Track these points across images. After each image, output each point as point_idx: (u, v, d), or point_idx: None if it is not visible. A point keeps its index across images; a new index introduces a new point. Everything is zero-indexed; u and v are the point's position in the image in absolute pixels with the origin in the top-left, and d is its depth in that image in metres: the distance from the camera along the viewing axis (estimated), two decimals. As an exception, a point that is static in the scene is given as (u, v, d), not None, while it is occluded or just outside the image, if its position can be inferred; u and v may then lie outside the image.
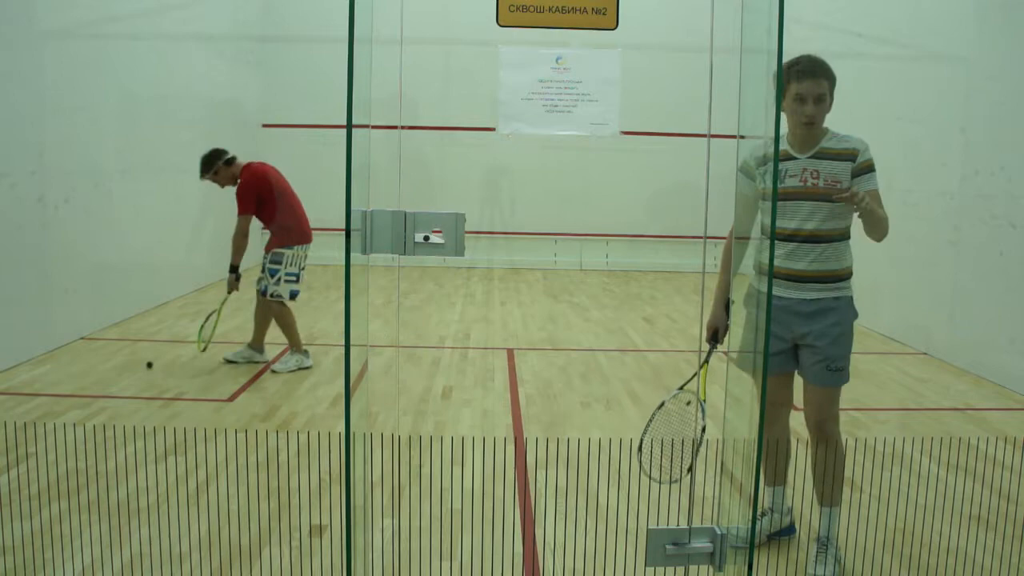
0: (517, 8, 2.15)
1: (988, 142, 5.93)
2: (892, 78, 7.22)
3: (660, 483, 2.80)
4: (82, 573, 2.84)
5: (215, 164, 5.59)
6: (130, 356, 5.93)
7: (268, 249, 5.68)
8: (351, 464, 2.02)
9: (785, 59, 1.88)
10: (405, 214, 1.97)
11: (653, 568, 2.20)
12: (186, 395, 5.03)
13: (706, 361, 2.93)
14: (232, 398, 5.01)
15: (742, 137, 2.05)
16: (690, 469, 2.69)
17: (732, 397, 2.27)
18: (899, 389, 5.56)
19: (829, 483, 3.03)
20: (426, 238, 1.97)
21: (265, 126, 10.87)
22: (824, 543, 3.04)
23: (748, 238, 2.80)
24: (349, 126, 1.87)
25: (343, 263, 1.90)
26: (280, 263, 5.66)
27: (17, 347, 5.60)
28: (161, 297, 7.96)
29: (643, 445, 2.87)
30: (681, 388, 2.94)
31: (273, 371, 5.59)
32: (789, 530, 3.23)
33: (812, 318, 3.01)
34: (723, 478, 2.40)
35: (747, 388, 2.19)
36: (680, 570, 2.46)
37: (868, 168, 2.96)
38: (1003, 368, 5.66)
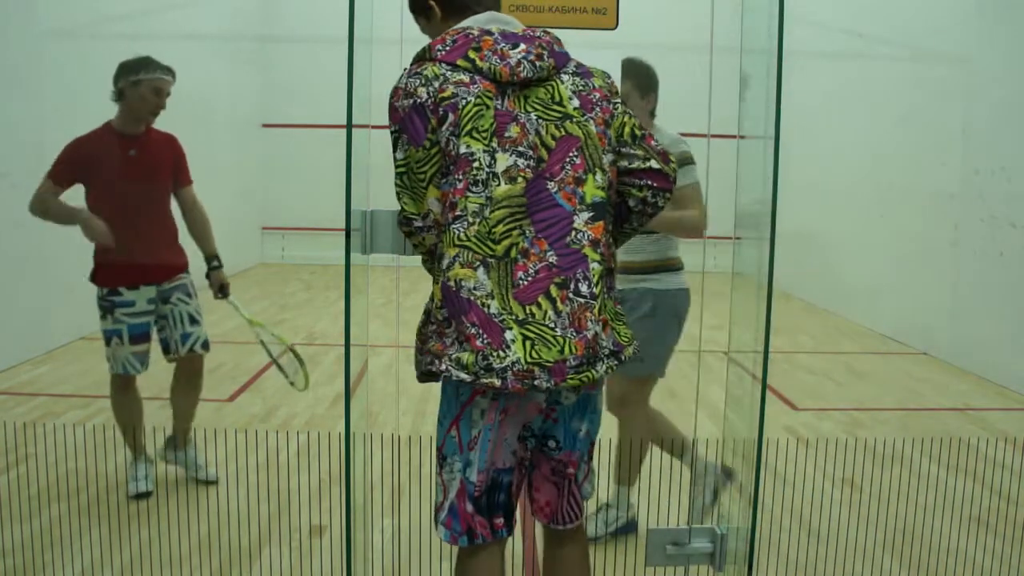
0: (517, 8, 2.15)
1: (988, 142, 5.93)
2: (893, 78, 7.23)
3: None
4: (82, 574, 2.84)
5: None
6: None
7: (176, 272, 3.69)
8: (351, 464, 2.02)
9: (785, 59, 1.89)
10: (405, 214, 1.95)
11: (653, 568, 2.20)
12: (186, 395, 5.02)
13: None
14: (232, 398, 5.01)
15: (742, 137, 2.05)
16: None
17: (732, 397, 2.27)
18: (899, 389, 5.55)
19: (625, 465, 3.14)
20: (426, 238, 1.96)
21: (265, 126, 10.86)
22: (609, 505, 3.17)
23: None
24: (349, 126, 1.87)
25: (343, 263, 1.90)
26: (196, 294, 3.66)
27: (17, 347, 5.60)
28: (161, 297, 7.95)
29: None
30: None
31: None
32: (631, 527, 3.23)
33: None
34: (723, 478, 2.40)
35: (747, 388, 2.19)
36: (680, 570, 2.46)
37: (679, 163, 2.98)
38: (1003, 368, 5.66)
